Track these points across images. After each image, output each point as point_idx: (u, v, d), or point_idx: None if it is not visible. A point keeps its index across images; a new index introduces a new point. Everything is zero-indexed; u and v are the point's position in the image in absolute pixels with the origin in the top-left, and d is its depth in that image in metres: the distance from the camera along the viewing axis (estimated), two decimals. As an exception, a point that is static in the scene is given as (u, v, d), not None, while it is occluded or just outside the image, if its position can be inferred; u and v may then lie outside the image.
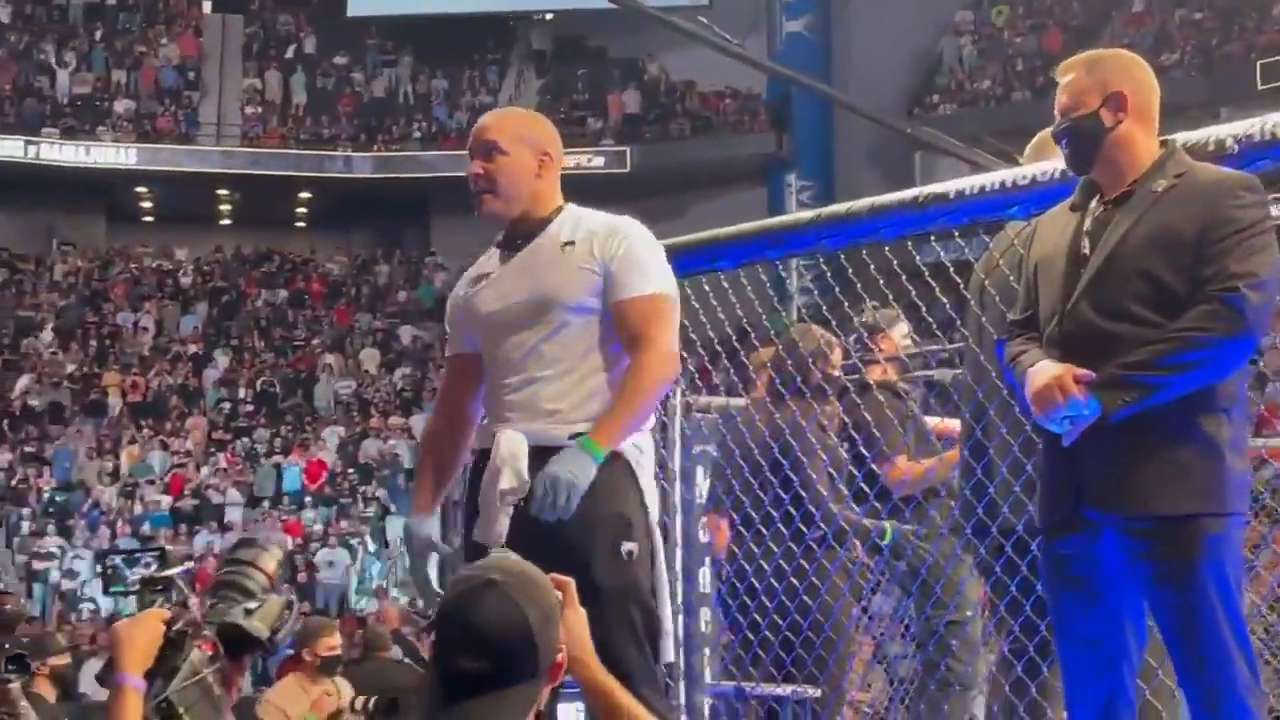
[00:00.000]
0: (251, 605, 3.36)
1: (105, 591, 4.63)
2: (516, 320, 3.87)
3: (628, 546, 3.59)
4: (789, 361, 5.17)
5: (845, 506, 5.17)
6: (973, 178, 4.32)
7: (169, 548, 3.83)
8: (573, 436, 3.64)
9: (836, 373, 5.24)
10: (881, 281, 4.77)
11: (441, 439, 3.98)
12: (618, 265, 3.84)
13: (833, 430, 5.23)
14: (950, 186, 4.29)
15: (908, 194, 4.37)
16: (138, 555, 3.90)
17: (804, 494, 4.99)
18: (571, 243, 3.96)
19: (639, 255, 3.87)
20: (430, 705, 2.36)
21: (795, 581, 4.92)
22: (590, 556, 3.53)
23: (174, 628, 3.12)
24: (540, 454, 3.62)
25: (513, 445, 3.67)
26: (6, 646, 5.80)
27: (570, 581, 2.55)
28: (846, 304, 5.17)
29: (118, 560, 3.91)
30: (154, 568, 3.65)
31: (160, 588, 3.52)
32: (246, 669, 3.42)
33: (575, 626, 2.46)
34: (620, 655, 3.37)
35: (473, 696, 2.30)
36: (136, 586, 3.58)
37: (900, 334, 5.65)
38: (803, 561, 4.95)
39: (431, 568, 3.86)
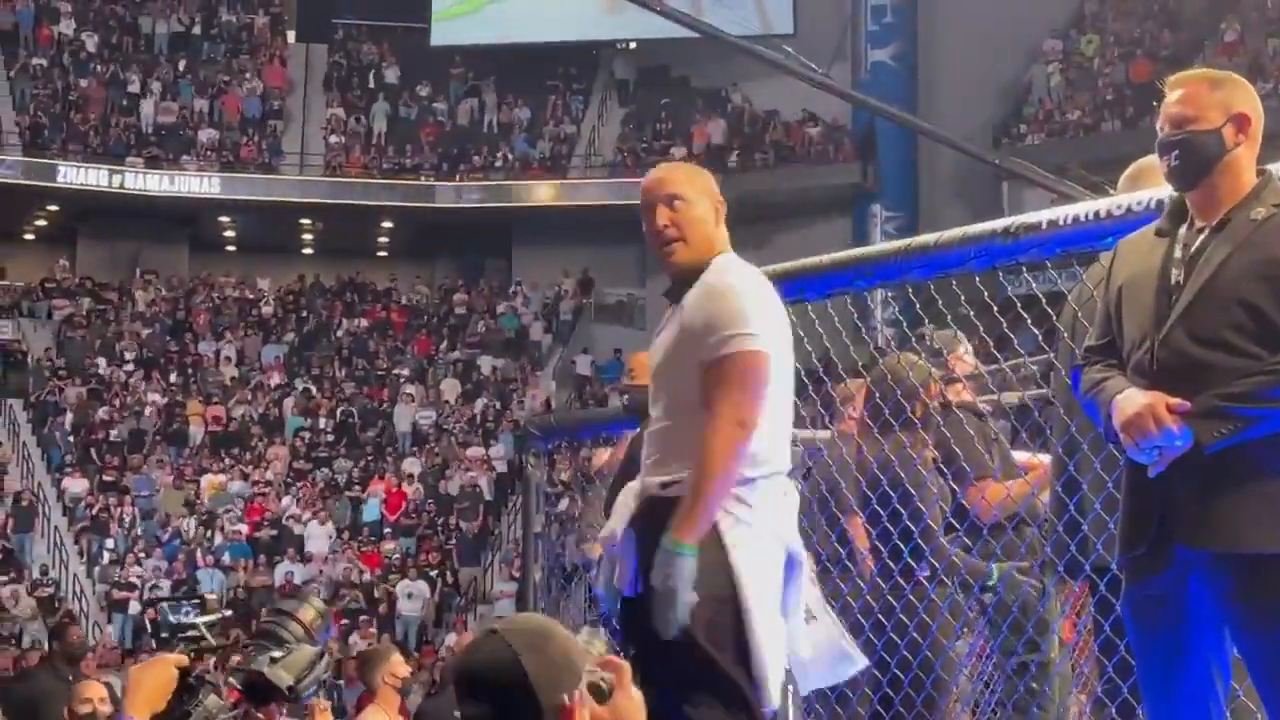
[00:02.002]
0: (279, 654, 3.50)
1: (155, 638, 4.72)
2: (661, 371, 4.01)
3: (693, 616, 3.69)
4: (898, 391, 5.10)
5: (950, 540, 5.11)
6: (1065, 207, 4.28)
7: (210, 596, 3.97)
8: (664, 485, 3.79)
9: (935, 404, 5.19)
10: (971, 313, 4.72)
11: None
12: (699, 324, 3.88)
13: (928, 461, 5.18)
14: (1043, 216, 4.25)
15: (999, 224, 4.33)
16: (180, 603, 3.93)
17: (913, 527, 4.91)
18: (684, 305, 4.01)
19: (717, 313, 3.86)
20: None
21: (905, 619, 4.84)
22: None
23: (192, 674, 3.23)
24: (643, 504, 3.86)
25: (625, 496, 3.95)
26: None
27: (622, 665, 2.51)
28: (924, 334, 5.13)
29: (165, 607, 4.01)
30: (192, 615, 3.82)
31: (190, 635, 3.69)
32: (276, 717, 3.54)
33: (624, 710, 2.46)
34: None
35: None
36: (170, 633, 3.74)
37: (965, 353, 5.60)
38: (912, 598, 4.88)
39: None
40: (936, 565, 4.99)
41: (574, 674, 2.37)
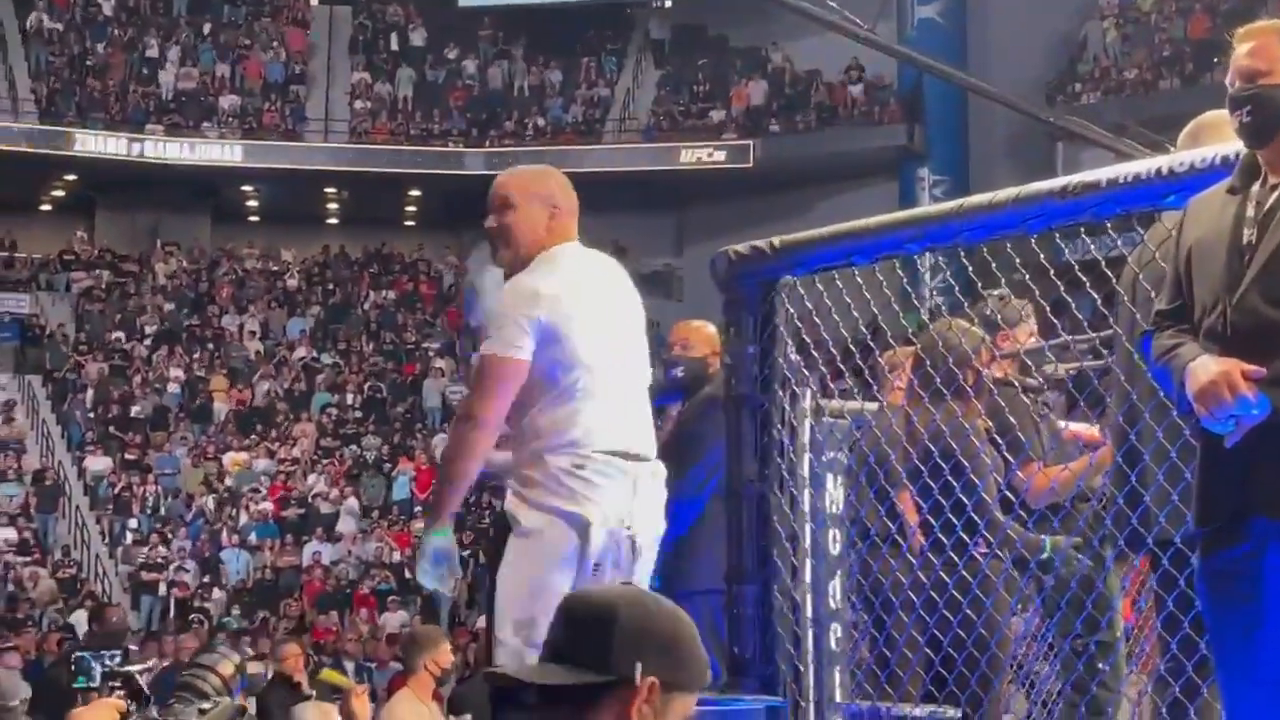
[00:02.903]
0: (206, 706, 3.97)
1: (69, 686, 4.94)
2: None
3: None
4: (949, 358, 5.08)
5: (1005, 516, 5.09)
6: (1126, 165, 4.24)
7: (133, 648, 4.44)
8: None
9: (986, 371, 5.16)
10: (1027, 277, 4.69)
11: None
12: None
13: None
14: (1102, 174, 4.21)
15: (1056, 183, 4.29)
16: (103, 652, 4.37)
17: (966, 500, 4.89)
18: None
19: (489, 309, 4.43)
20: None
21: (958, 595, 4.82)
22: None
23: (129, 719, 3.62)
24: None
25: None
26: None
27: None
28: (987, 299, 5.10)
29: (86, 654, 4.42)
30: (118, 662, 4.24)
31: (121, 682, 4.12)
32: None
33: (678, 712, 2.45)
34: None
35: (542, 662, 2.37)
36: (95, 681, 4.18)
37: (1025, 333, 5.56)
38: (965, 574, 4.86)
39: None
40: (991, 540, 4.97)
41: (666, 663, 2.31)
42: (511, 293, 4.35)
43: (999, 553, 4.98)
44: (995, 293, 5.35)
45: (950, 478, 4.86)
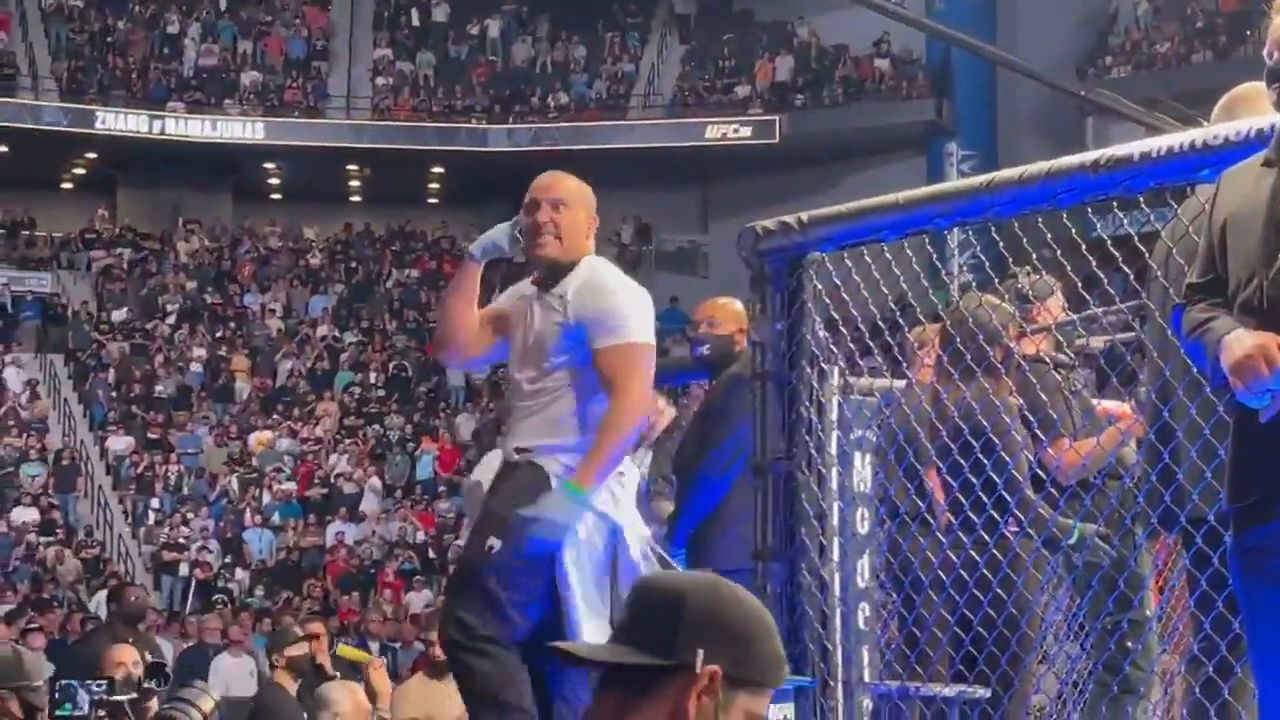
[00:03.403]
0: None
1: (52, 714, 5.05)
2: (533, 351, 4.83)
3: (491, 541, 4.60)
4: (979, 335, 5.07)
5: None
6: (1158, 138, 4.22)
7: (117, 678, 4.64)
8: (519, 451, 4.70)
9: (1016, 348, 5.15)
10: (1059, 252, 4.67)
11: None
12: (590, 315, 4.71)
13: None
14: (1134, 148, 4.19)
15: (1088, 156, 4.27)
16: (88, 682, 4.63)
17: (997, 479, 4.88)
18: (563, 295, 4.80)
19: (608, 308, 4.72)
20: None
21: (988, 574, 4.82)
22: (472, 538, 4.76)
23: None
24: (503, 468, 4.77)
25: (490, 460, 4.95)
26: (148, 656, 6.08)
27: None
28: (1016, 275, 5.08)
29: (72, 683, 4.66)
30: (104, 690, 4.53)
31: (109, 712, 4.43)
32: None
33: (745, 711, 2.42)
34: (457, 601, 4.65)
35: (610, 642, 2.35)
36: (82, 709, 4.44)
37: (1057, 305, 5.54)
38: (996, 553, 4.86)
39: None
40: (1022, 518, 4.96)
41: (733, 655, 2.27)
42: (622, 288, 4.81)
43: (1030, 531, 4.97)
44: (1024, 268, 5.33)
45: (981, 455, 4.85)
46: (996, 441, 4.91)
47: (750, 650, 2.29)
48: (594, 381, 4.68)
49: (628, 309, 4.73)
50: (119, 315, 30.34)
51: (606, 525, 4.66)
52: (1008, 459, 4.91)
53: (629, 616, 2.33)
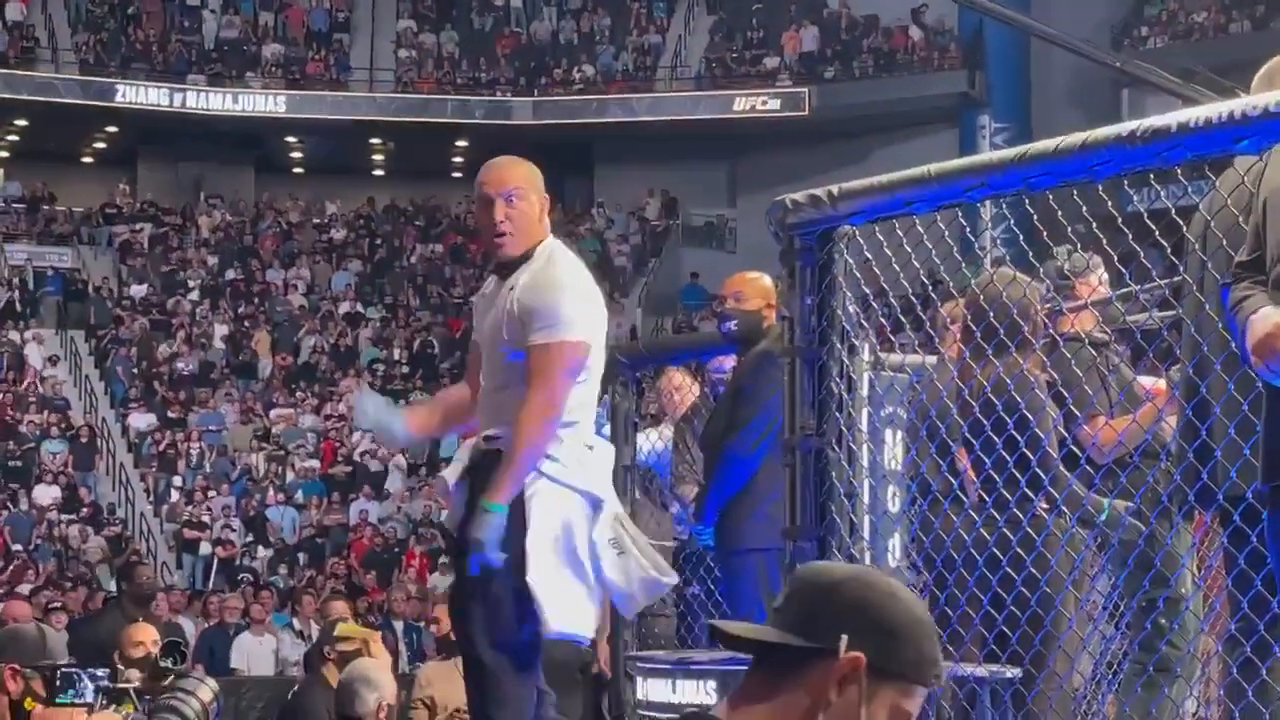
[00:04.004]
0: None
1: (51, 700, 5.11)
2: (493, 344, 4.88)
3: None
4: (1012, 309, 5.05)
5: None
6: (1196, 109, 4.19)
7: (121, 667, 4.90)
8: (487, 439, 4.78)
9: (1047, 322, 5.13)
10: (1094, 225, 4.65)
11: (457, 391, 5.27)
12: (529, 310, 4.72)
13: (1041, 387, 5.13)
14: (1172, 119, 4.16)
15: (1124, 127, 4.24)
16: (90, 670, 4.75)
17: (1031, 455, 4.86)
18: (513, 287, 4.82)
19: (543, 304, 4.72)
20: None
21: (1022, 553, 4.80)
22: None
23: None
24: (477, 457, 4.83)
25: (461, 451, 4.98)
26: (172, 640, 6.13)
27: None
28: (1052, 250, 5.06)
29: (74, 670, 4.77)
30: (105, 680, 4.69)
31: (114, 698, 4.63)
32: None
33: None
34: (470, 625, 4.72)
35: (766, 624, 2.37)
36: (86, 697, 4.59)
37: (1098, 280, 5.52)
38: (1030, 531, 4.84)
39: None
40: (1056, 496, 4.95)
41: (880, 646, 2.26)
42: (570, 282, 4.79)
43: (1063, 509, 4.96)
44: (1064, 247, 5.32)
45: (1013, 432, 4.84)
46: (1031, 418, 4.90)
47: (898, 644, 2.29)
48: None
49: (567, 305, 4.71)
50: (140, 291, 30.43)
51: (584, 499, 4.71)
52: (1041, 435, 4.90)
53: (784, 600, 2.35)
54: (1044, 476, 4.89)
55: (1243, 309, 3.42)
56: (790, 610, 2.32)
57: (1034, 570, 4.77)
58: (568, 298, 4.73)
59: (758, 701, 2.29)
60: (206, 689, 4.88)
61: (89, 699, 4.73)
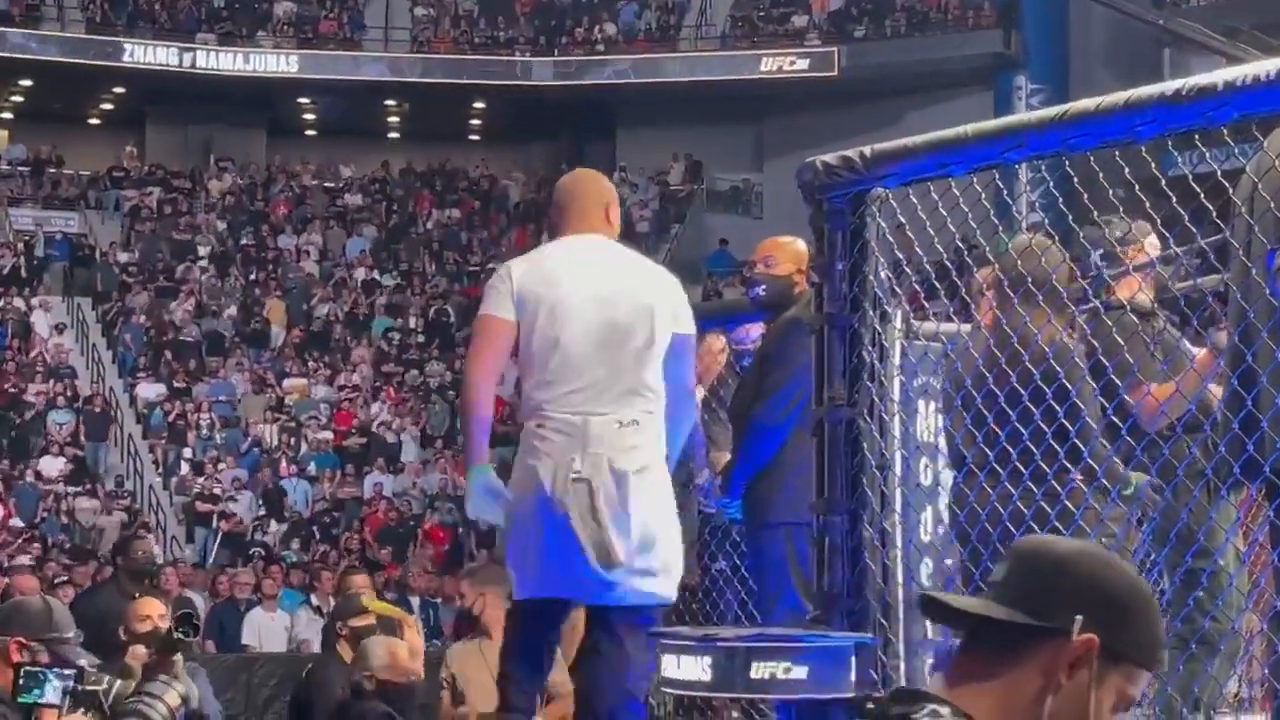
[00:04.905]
0: None
1: (16, 697, 5.15)
2: None
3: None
4: (1052, 276, 5.04)
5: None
6: (1244, 67, 4.17)
7: (87, 666, 4.96)
8: None
9: (1075, 286, 5.12)
10: (1138, 188, 4.63)
11: None
12: None
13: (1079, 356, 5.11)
14: (1217, 77, 4.14)
15: (1168, 86, 4.22)
16: (59, 669, 4.79)
17: (1069, 426, 4.85)
18: None
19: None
20: None
21: (1060, 527, 4.79)
22: None
23: None
24: None
25: None
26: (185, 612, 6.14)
27: None
28: (1095, 214, 5.03)
29: (40, 670, 4.79)
30: (72, 680, 4.75)
31: (84, 700, 4.71)
32: None
33: None
34: None
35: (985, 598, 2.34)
36: (49, 697, 4.67)
37: (1151, 246, 5.49)
38: (1068, 504, 4.83)
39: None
40: (1096, 468, 4.93)
41: (1113, 627, 2.25)
42: (512, 263, 5.48)
43: (1104, 481, 4.95)
44: (1118, 214, 5.29)
45: (1054, 402, 4.82)
46: (1070, 387, 4.88)
47: (1130, 626, 2.27)
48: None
49: (492, 280, 5.37)
50: (149, 257, 30.47)
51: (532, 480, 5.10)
52: (1081, 406, 4.88)
53: (1005, 575, 2.32)
54: (1083, 449, 4.87)
55: None
56: (1014, 587, 2.28)
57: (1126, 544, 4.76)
58: (497, 273, 5.40)
59: (979, 680, 2.26)
60: (174, 693, 4.95)
61: (54, 700, 4.72)
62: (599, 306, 5.14)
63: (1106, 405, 5.04)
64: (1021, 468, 4.90)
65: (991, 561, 4.92)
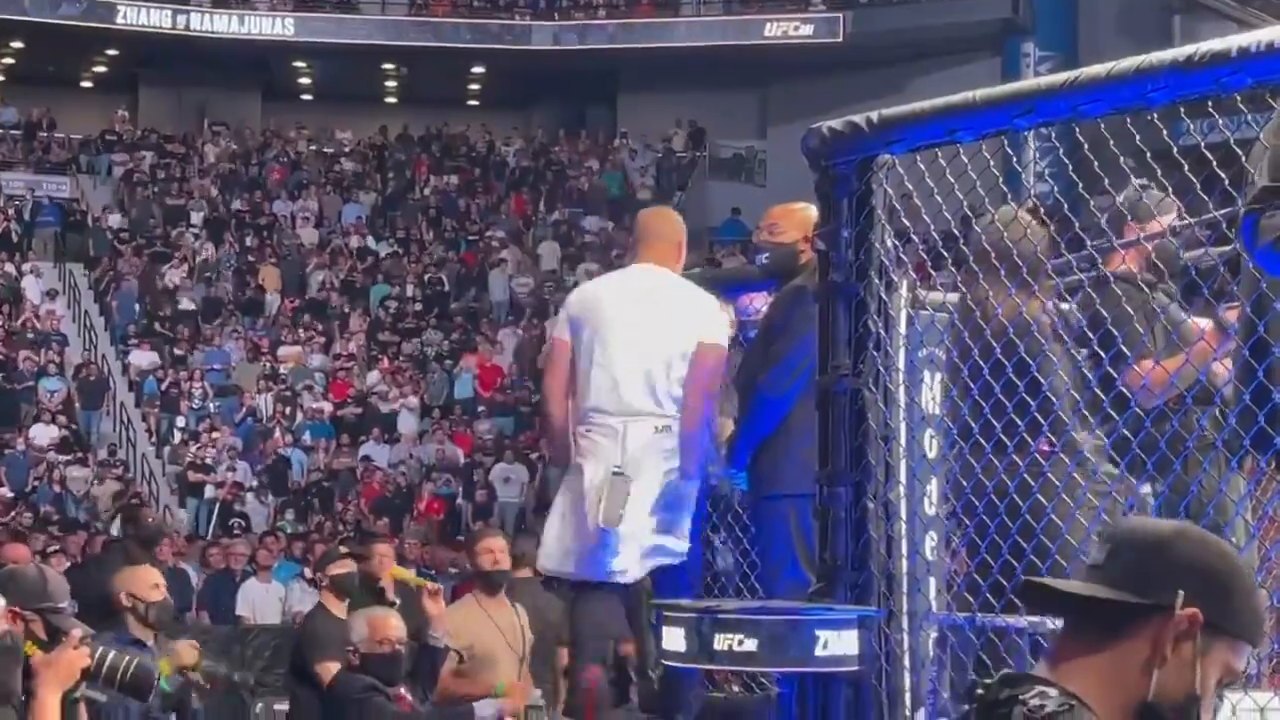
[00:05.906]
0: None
1: (53, 643, 5.33)
2: None
3: None
4: (1014, 252, 5.05)
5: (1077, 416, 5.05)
6: (1258, 32, 4.16)
7: (151, 600, 5.86)
8: None
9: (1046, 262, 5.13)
10: (1148, 156, 4.63)
11: None
12: None
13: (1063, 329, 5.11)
14: (1231, 43, 4.13)
15: (1181, 51, 4.21)
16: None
17: (1030, 400, 4.86)
18: None
19: None
20: None
21: (1018, 500, 4.81)
22: None
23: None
24: None
25: None
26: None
27: None
28: (1107, 181, 5.02)
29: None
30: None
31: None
32: None
33: None
34: None
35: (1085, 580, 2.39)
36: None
37: (1168, 219, 5.47)
38: (1027, 477, 4.84)
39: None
40: (1055, 442, 4.93)
41: (1214, 601, 2.31)
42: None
43: (1061, 455, 4.95)
44: (1139, 182, 5.28)
45: (1014, 377, 4.83)
46: (1030, 362, 4.88)
47: (1232, 601, 2.34)
48: None
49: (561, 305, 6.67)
50: (141, 222, 30.42)
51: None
52: (1041, 380, 4.88)
53: (1106, 555, 2.38)
54: (1043, 422, 4.88)
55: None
56: (1115, 568, 2.35)
57: (1080, 518, 4.76)
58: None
59: (1085, 658, 2.33)
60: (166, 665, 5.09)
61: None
62: (637, 330, 6.14)
63: (1089, 377, 5.02)
64: (984, 441, 4.91)
65: (998, 535, 4.93)
